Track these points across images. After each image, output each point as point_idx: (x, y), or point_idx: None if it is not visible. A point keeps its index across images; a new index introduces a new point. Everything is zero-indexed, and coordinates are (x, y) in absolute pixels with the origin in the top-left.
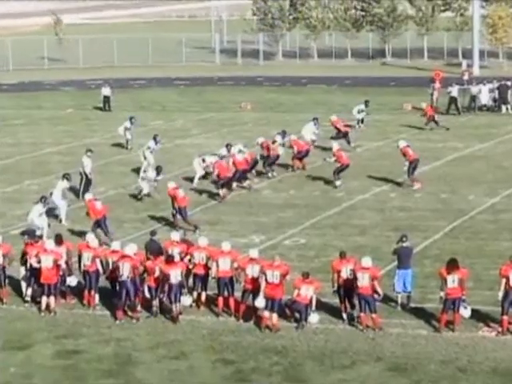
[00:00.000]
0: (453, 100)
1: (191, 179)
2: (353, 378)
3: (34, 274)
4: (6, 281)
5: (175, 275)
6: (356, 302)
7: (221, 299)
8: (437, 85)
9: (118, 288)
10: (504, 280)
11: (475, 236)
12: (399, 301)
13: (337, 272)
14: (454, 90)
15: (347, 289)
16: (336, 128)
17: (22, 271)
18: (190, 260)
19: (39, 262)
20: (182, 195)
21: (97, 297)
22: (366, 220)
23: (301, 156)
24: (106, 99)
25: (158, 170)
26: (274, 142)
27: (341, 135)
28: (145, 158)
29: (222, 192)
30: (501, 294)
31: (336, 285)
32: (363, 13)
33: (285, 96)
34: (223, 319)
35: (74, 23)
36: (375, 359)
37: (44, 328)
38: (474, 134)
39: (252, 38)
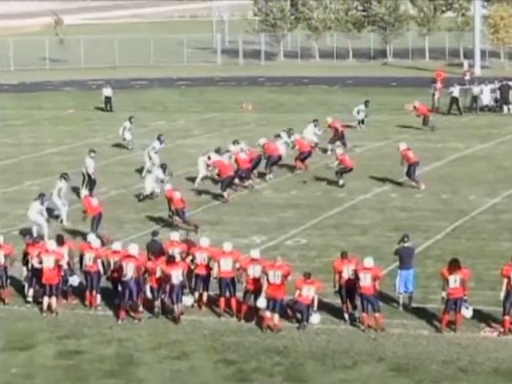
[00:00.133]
0: (454, 100)
1: (193, 179)
2: (354, 379)
3: (36, 274)
4: (8, 281)
5: (176, 275)
6: (358, 302)
7: (222, 299)
8: (438, 85)
9: (120, 288)
10: (505, 280)
11: (476, 236)
12: (401, 301)
13: (338, 272)
14: (456, 91)
15: (349, 289)
16: (334, 129)
17: (25, 272)
18: (192, 260)
19: (41, 262)
20: (179, 197)
21: (98, 297)
22: (367, 220)
23: (303, 157)
24: (108, 100)
25: (163, 167)
26: (277, 136)
27: (337, 137)
28: (150, 158)
29: (226, 193)
30: (502, 294)
31: (337, 285)
32: (364, 13)
33: (286, 96)
34: (225, 319)
35: (76, 23)
36: (377, 359)
37: (46, 328)
38: (474, 134)
39: (253, 39)
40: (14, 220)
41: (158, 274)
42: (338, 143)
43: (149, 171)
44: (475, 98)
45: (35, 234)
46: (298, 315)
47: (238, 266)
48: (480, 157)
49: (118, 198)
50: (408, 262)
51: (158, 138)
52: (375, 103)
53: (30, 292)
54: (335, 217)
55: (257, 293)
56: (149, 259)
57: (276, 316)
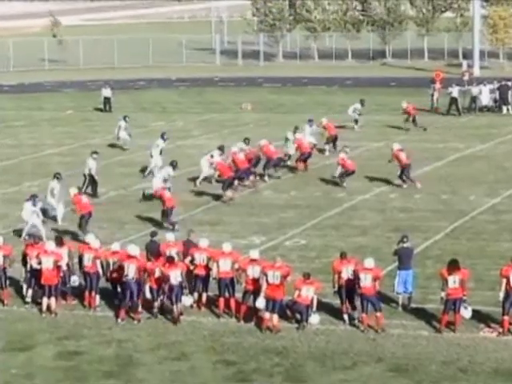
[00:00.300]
0: (453, 101)
1: (194, 179)
2: (354, 379)
3: (35, 275)
4: (7, 282)
5: (175, 276)
6: (358, 302)
7: (222, 300)
8: (437, 85)
9: (121, 288)
10: (504, 280)
11: (476, 236)
12: (400, 301)
13: (337, 273)
14: (455, 91)
15: (348, 289)
16: (327, 130)
17: (23, 272)
18: (191, 261)
19: (40, 263)
20: (169, 196)
21: (97, 298)
22: (366, 221)
23: (304, 158)
24: (107, 100)
25: (173, 164)
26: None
27: (331, 139)
28: (151, 156)
29: (229, 194)
30: (501, 295)
31: (337, 285)
32: (363, 12)
33: (285, 97)
34: (224, 320)
35: (75, 24)
36: (376, 360)
37: (45, 329)
38: (474, 134)
39: (252, 39)
40: (13, 221)
41: (157, 274)
42: (338, 148)
43: (151, 172)
44: (474, 99)
45: (24, 234)
46: (298, 316)
47: (237, 266)
48: (480, 157)
49: (117, 198)
50: (407, 263)
51: (162, 136)
52: (374, 103)
53: (29, 293)
54: (335, 217)
55: (256, 293)
56: (148, 259)
57: (275, 316)
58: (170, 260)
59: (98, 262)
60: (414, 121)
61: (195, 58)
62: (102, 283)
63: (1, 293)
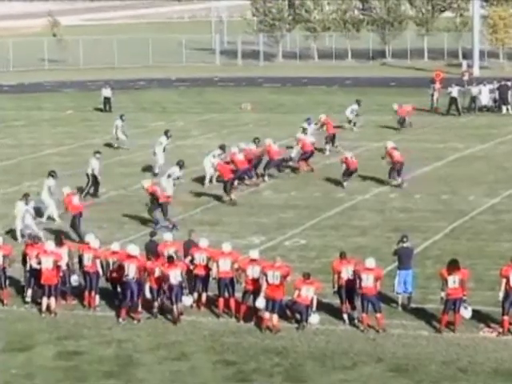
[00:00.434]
0: (453, 101)
1: (194, 180)
2: (354, 379)
3: (35, 275)
4: (7, 282)
5: (175, 275)
6: (358, 302)
7: (221, 300)
8: (437, 85)
9: (121, 288)
10: (504, 280)
11: (476, 237)
12: (400, 301)
13: (337, 273)
14: (454, 91)
15: (348, 290)
16: (326, 126)
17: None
18: (191, 261)
19: (39, 263)
20: (160, 191)
21: (97, 298)
22: (366, 221)
23: (306, 157)
24: (107, 100)
25: (180, 164)
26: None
27: (329, 138)
28: (155, 154)
29: (232, 196)
30: (501, 295)
31: (336, 285)
32: (363, 11)
33: (285, 97)
34: (224, 320)
35: (75, 24)
36: (376, 360)
37: (45, 329)
38: (474, 134)
39: (252, 39)
40: (13, 221)
41: (157, 273)
42: (338, 148)
43: (157, 173)
44: (474, 99)
45: (18, 233)
46: (297, 316)
47: (236, 266)
48: (480, 157)
49: (117, 198)
50: (407, 263)
51: (165, 134)
52: (374, 103)
53: (29, 292)
54: (334, 217)
55: (256, 293)
56: (148, 259)
57: (275, 316)
58: (170, 260)
59: (98, 261)
60: (402, 122)
61: (195, 58)
62: (102, 283)
63: (0, 293)
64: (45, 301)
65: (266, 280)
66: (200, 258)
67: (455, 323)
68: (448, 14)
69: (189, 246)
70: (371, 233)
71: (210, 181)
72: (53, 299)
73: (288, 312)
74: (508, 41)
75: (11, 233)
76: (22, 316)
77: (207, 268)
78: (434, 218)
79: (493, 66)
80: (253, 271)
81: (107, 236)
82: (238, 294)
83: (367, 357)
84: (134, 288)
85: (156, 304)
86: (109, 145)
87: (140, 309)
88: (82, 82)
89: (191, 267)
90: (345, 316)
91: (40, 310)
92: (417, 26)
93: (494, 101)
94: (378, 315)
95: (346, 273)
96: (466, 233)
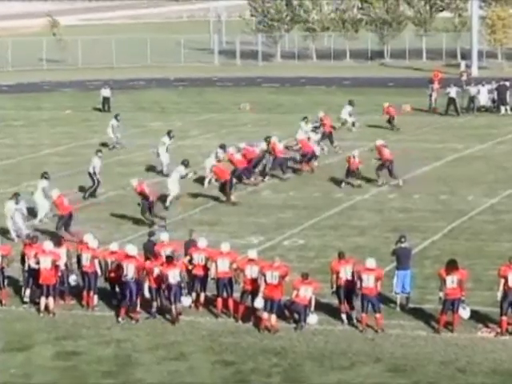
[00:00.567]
0: (451, 101)
1: (194, 180)
2: (352, 379)
3: (33, 274)
4: (6, 282)
5: (173, 275)
6: (357, 302)
7: (220, 300)
8: (435, 85)
9: (120, 288)
10: (503, 280)
11: (475, 237)
12: (398, 302)
13: (335, 273)
14: (452, 91)
15: (346, 290)
16: (322, 124)
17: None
18: (189, 261)
19: (38, 262)
20: (149, 190)
21: (96, 298)
22: (365, 221)
23: (308, 158)
24: (106, 100)
25: (185, 163)
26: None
27: (325, 135)
28: (158, 155)
29: (232, 198)
30: (499, 295)
31: (335, 286)
32: (362, 10)
33: (284, 97)
34: (222, 320)
35: (73, 24)
36: (374, 360)
37: (43, 329)
38: (473, 134)
39: (251, 39)
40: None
41: (156, 273)
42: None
43: (165, 172)
44: (472, 99)
45: (13, 234)
46: (296, 316)
47: (235, 266)
48: (479, 157)
49: (116, 198)
50: (405, 263)
51: (168, 134)
52: (373, 104)
53: (27, 292)
54: (333, 217)
55: (254, 293)
56: (147, 259)
57: (273, 317)
58: (169, 259)
59: (97, 261)
60: (390, 121)
61: (194, 58)
62: (101, 283)
63: None
64: (43, 301)
65: (265, 280)
66: (198, 257)
67: (453, 323)
68: (446, 14)
69: (190, 246)
70: (370, 233)
71: (210, 181)
72: (51, 299)
73: (286, 312)
74: (506, 41)
75: (8, 233)
76: (21, 316)
77: (206, 268)
78: (432, 218)
79: (491, 67)
80: (251, 271)
81: (106, 236)
82: (237, 294)
83: (365, 357)
84: (132, 288)
85: (155, 304)
86: (107, 145)
87: (139, 309)
88: (81, 81)
89: (190, 267)
90: (343, 316)
91: (38, 310)
92: (415, 27)
93: (493, 101)
94: (378, 315)
95: (345, 273)
96: (464, 233)
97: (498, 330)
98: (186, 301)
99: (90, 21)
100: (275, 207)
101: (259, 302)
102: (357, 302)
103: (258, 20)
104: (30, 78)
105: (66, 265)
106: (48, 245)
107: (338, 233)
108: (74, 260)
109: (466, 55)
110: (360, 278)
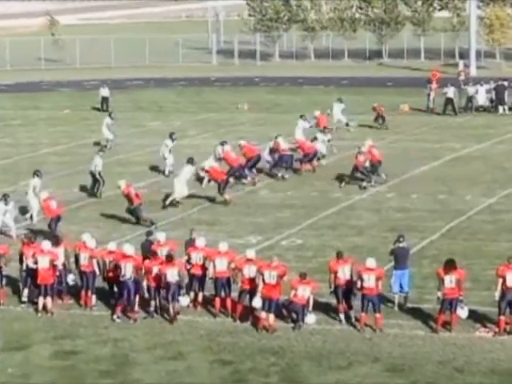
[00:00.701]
0: (449, 101)
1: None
2: (350, 379)
3: (31, 274)
4: (3, 281)
5: (172, 274)
6: (355, 302)
7: (218, 300)
8: (434, 85)
9: (118, 288)
10: (501, 280)
11: (473, 236)
12: (396, 301)
13: (333, 272)
14: (450, 91)
15: (344, 289)
16: (318, 122)
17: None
18: (187, 260)
19: (36, 262)
20: (135, 192)
21: (94, 297)
22: (363, 220)
23: (309, 159)
24: (104, 100)
25: (190, 162)
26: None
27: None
28: (165, 158)
29: (227, 197)
30: (497, 295)
31: (333, 285)
32: (361, 10)
33: (282, 96)
34: (220, 320)
35: (72, 24)
36: (372, 360)
37: (41, 329)
38: (471, 134)
39: (249, 39)
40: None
41: (155, 272)
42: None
43: (171, 172)
44: (470, 99)
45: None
46: (294, 315)
47: (233, 266)
48: (477, 157)
49: (114, 198)
50: (403, 262)
51: (170, 136)
52: (371, 103)
53: (25, 292)
54: (331, 217)
55: (252, 293)
56: (145, 258)
57: (271, 316)
58: (169, 258)
59: (95, 261)
60: (376, 119)
61: (192, 58)
62: (99, 283)
63: None
64: (41, 300)
65: (263, 280)
66: (197, 257)
67: (451, 323)
68: (445, 13)
69: (188, 245)
70: (368, 232)
71: (209, 181)
72: (49, 299)
73: (284, 312)
74: (504, 41)
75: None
76: (19, 315)
77: (204, 267)
78: (430, 218)
79: (489, 66)
80: (249, 271)
81: (104, 235)
82: (235, 294)
83: (364, 356)
84: (131, 287)
85: (153, 303)
86: (100, 144)
87: (137, 308)
88: (79, 81)
89: (188, 267)
90: (341, 316)
91: (36, 310)
92: (413, 26)
93: (491, 101)
94: (378, 315)
95: (343, 272)
96: (462, 233)
97: (496, 330)
98: (184, 300)
99: (88, 20)
100: (273, 207)
101: (257, 302)
102: (355, 302)
103: (256, 20)
104: (29, 77)
105: (64, 264)
106: (46, 244)
107: (336, 232)
108: (72, 260)
109: (464, 55)
110: (361, 278)
